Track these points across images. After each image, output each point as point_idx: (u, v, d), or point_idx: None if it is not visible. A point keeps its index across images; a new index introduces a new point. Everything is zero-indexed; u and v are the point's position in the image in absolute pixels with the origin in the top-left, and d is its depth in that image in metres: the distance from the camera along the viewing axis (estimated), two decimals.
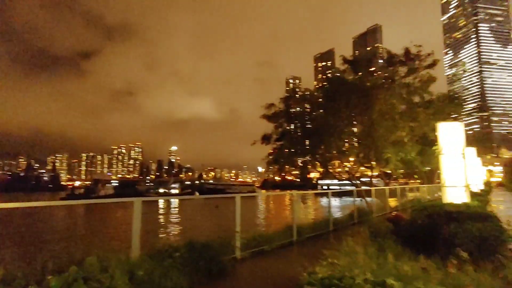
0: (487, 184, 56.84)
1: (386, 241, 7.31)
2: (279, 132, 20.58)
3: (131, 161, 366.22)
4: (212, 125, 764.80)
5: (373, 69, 21.47)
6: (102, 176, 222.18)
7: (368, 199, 16.77)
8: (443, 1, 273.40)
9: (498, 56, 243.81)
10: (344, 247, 5.81)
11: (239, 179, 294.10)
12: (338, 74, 20.90)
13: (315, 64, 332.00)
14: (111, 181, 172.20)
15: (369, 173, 21.94)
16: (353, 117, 18.73)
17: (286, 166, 23.50)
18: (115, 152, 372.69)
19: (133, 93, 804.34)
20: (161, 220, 32.80)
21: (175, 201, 53.86)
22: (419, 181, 37.69)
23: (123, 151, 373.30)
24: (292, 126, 20.91)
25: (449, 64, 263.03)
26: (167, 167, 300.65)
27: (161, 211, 42.38)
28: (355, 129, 20.35)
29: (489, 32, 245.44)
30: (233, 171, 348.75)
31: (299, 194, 12.80)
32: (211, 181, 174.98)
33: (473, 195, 20.69)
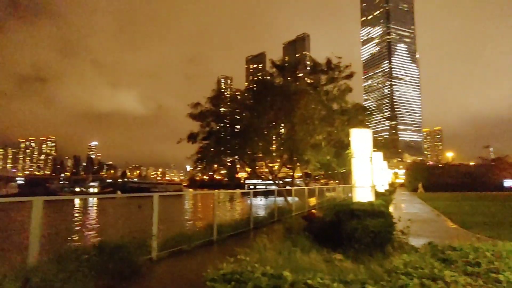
0: (392, 185, 64.20)
1: (299, 237, 7.85)
2: (206, 131, 20.48)
3: (42, 157, 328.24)
4: (138, 121, 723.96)
5: (300, 75, 22.70)
6: (4, 173, 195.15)
7: (290, 198, 17.61)
8: (362, 19, 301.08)
9: (405, 72, 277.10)
10: (256, 244, 6.07)
11: (166, 178, 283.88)
12: (265, 77, 21.69)
13: (247, 66, 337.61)
14: (16, 179, 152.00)
15: (293, 174, 23.10)
16: (277, 120, 19.56)
17: (215, 166, 23.52)
18: (23, 146, 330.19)
19: (44, 80, 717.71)
20: (76, 221, 30.06)
21: (94, 201, 49.79)
22: (337, 181, 40.78)
23: (33, 144, 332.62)
24: (220, 126, 20.98)
25: (366, 76, 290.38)
26: (85, 164, 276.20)
27: (76, 211, 38.79)
28: (279, 131, 21.26)
29: (399, 50, 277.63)
30: (160, 170, 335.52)
31: (220, 193, 12.94)
32: (136, 180, 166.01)
33: (379, 194, 23.29)
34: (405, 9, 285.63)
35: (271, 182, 24.80)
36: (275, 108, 18.46)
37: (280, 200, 18.54)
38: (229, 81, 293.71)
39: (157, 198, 7.25)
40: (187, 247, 7.90)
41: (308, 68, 24.06)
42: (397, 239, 7.39)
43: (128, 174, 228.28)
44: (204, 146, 20.88)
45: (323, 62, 21.00)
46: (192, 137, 20.73)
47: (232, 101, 21.83)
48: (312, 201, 19.95)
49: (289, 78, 21.52)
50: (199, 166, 22.17)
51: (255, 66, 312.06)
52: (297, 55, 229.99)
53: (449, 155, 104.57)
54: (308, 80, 22.72)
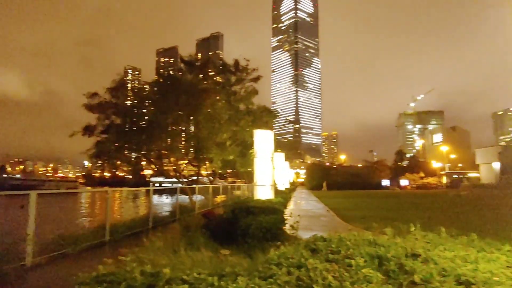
0: (292, 183, 69.15)
1: (196, 235, 7.86)
2: (105, 124, 18.86)
3: None
4: (22, 107, 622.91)
5: (212, 73, 22.65)
6: None
7: (198, 196, 17.47)
8: (273, 26, 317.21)
9: (309, 80, 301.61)
10: (149, 244, 5.88)
11: (59, 174, 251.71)
12: (175, 72, 21.08)
13: (157, 59, 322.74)
14: None
15: (199, 172, 22.93)
16: (183, 117, 19.19)
17: (118, 162, 21.83)
18: None
19: None
20: None
21: None
22: (243, 180, 41.94)
23: None
24: (122, 120, 19.54)
25: (274, 80, 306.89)
26: None
27: None
28: (184, 129, 20.87)
29: (305, 59, 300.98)
30: (51, 165, 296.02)
31: (116, 191, 12.12)
32: (19, 176, 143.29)
33: (279, 192, 24.88)
34: (311, 22, 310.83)
35: (181, 180, 24.21)
36: (181, 104, 18.05)
37: (185, 198, 18.26)
38: (137, 72, 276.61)
39: (35, 197, 6.42)
40: (71, 251, 7.18)
41: (220, 67, 24.22)
42: (288, 233, 8.02)
43: (9, 169, 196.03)
44: (102, 141, 19.18)
45: (231, 63, 21.40)
46: (88, 130, 18.81)
47: (136, 94, 20.56)
48: (218, 199, 20.19)
49: (200, 76, 21.31)
50: (98, 162, 20.32)
51: (166, 59, 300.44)
52: (210, 53, 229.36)
53: (342, 157, 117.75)
54: (218, 79, 22.87)
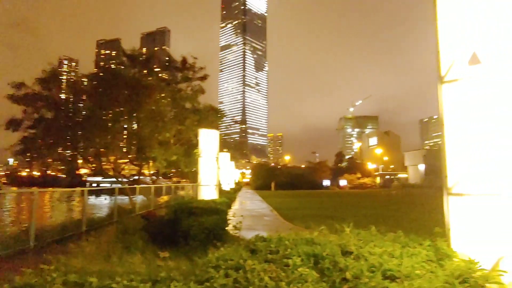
0: (238, 183, 69.44)
1: (134, 238, 7.47)
2: (33, 118, 17.13)
3: None
4: None
5: (158, 69, 21.76)
6: None
7: (139, 197, 16.67)
8: (222, 25, 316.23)
9: (256, 81, 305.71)
10: (80, 249, 5.44)
11: None
12: (117, 66, 19.87)
13: (97, 50, 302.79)
14: None
15: (140, 171, 21.91)
16: (123, 113, 18.17)
17: (49, 160, 19.94)
18: None
19: None
20: None
21: None
22: (187, 180, 41.05)
23: None
24: (55, 114, 17.89)
25: (222, 80, 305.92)
26: None
27: None
28: (124, 126, 19.78)
29: (252, 61, 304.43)
30: None
31: (45, 192, 11.09)
32: None
33: (224, 193, 24.81)
34: (259, 24, 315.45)
35: (121, 180, 22.87)
36: (122, 100, 17.07)
37: (125, 199, 17.33)
38: (73, 64, 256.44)
39: None
40: None
41: (166, 64, 23.39)
42: (231, 234, 7.98)
43: None
44: (30, 136, 17.39)
45: (179, 60, 20.79)
46: (13, 124, 16.91)
47: (72, 87, 18.97)
48: (161, 200, 19.48)
49: (144, 71, 20.33)
50: (26, 159, 18.37)
51: (107, 52, 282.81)
52: (155, 49, 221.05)
53: (287, 158, 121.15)
54: (163, 76, 22.07)
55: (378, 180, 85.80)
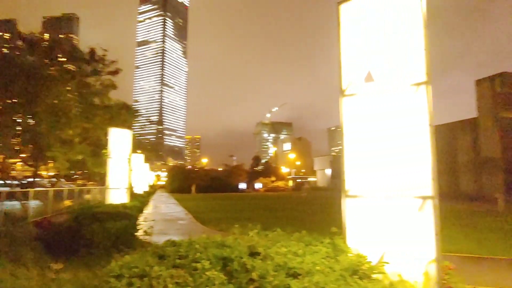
0: (152, 186, 66.32)
1: (24, 249, 6.55)
2: None
3: None
4: None
5: (63, 59, 19.41)
6: None
7: (33, 202, 14.56)
8: (139, 18, 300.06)
9: (175, 81, 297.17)
10: None
11: None
12: (7, 51, 17.15)
13: None
14: None
15: (36, 172, 19.28)
16: (17, 106, 15.80)
17: None
18: None
19: None
20: None
21: None
22: (94, 183, 37.73)
23: None
24: None
25: (138, 77, 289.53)
26: None
27: None
28: (20, 120, 17.23)
29: (172, 60, 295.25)
30: None
31: None
32: None
33: (136, 196, 23.39)
34: (180, 23, 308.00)
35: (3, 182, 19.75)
36: (16, 91, 14.82)
37: (16, 204, 15.01)
38: None
39: None
40: None
41: (73, 54, 21.11)
42: (141, 240, 7.56)
43: None
44: None
45: (86, 51, 18.91)
46: None
47: None
48: (62, 205, 17.44)
49: (46, 61, 17.95)
50: None
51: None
52: (60, 36, 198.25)
53: (204, 161, 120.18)
54: (69, 67, 19.87)
55: (290, 183, 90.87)
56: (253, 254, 3.42)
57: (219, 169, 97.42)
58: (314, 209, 22.49)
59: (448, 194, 34.91)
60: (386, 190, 4.05)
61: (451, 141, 38.83)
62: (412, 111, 3.91)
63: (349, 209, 4.30)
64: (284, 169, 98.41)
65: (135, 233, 7.20)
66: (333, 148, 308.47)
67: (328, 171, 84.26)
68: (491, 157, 33.48)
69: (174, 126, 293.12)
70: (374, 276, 3.61)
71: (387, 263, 3.80)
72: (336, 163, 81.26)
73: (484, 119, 34.83)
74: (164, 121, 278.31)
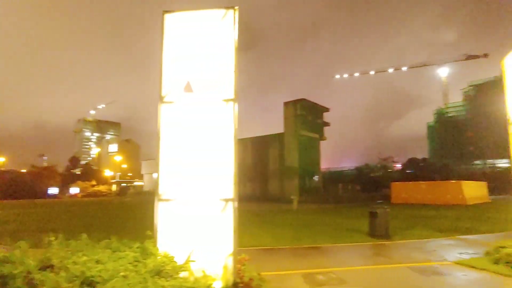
0: None
1: None
2: None
3: None
4: None
5: None
6: None
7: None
8: None
9: None
10: None
11: None
12: None
13: None
14: None
15: None
16: None
17: None
18: None
19: None
20: None
21: None
22: None
23: None
24: None
25: None
26: None
27: None
28: None
29: None
30: None
31: None
32: None
33: None
34: None
35: None
36: None
37: None
38: None
39: None
40: None
41: None
42: None
43: None
44: None
45: None
46: None
47: None
48: None
49: None
50: None
51: None
52: None
53: (1, 160, 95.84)
54: None
55: (114, 187, 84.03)
56: (46, 267, 3.06)
57: (23, 170, 79.78)
58: (133, 214, 21.66)
59: (260, 197, 40.85)
60: (196, 194, 4.42)
61: (264, 151, 45.56)
62: (222, 124, 4.44)
63: (161, 212, 4.45)
64: (107, 172, 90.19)
65: None
66: None
67: (156, 175, 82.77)
68: (291, 166, 41.27)
69: None
70: (181, 274, 3.86)
71: (193, 261, 4.13)
72: None
73: (287, 135, 42.68)
74: None
